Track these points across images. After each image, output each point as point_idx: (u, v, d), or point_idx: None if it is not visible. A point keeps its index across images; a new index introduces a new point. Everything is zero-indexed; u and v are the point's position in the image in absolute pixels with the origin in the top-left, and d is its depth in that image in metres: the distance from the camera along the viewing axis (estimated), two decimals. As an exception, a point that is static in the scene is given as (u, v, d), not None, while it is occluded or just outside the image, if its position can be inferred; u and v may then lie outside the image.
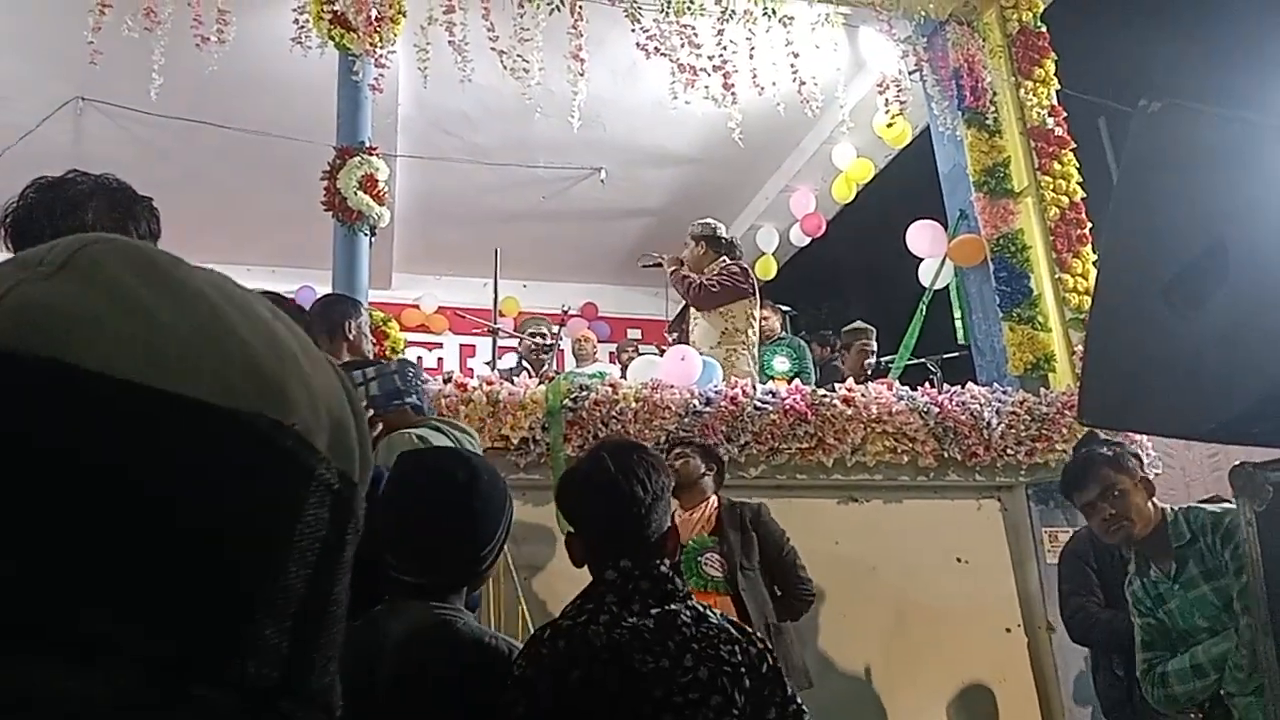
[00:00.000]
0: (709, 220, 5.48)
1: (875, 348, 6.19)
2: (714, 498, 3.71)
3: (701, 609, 1.57)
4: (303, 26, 4.96)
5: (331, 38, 4.91)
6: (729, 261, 5.25)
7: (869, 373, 5.91)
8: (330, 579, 0.43)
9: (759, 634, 1.59)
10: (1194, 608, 2.61)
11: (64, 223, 1.37)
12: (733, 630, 1.54)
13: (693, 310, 5.40)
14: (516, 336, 6.58)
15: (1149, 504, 2.69)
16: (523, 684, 1.48)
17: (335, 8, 4.87)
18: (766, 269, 8.73)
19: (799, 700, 1.52)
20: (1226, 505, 2.68)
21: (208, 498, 0.37)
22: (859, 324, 6.32)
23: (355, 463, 0.44)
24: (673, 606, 1.54)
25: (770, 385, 4.74)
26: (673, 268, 5.35)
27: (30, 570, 0.34)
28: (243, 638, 0.38)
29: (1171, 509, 2.71)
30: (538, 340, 6.46)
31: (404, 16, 5.04)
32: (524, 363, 6.47)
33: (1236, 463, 1.55)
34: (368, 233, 4.84)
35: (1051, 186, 5.66)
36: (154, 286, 0.38)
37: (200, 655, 0.37)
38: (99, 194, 1.40)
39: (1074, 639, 3.76)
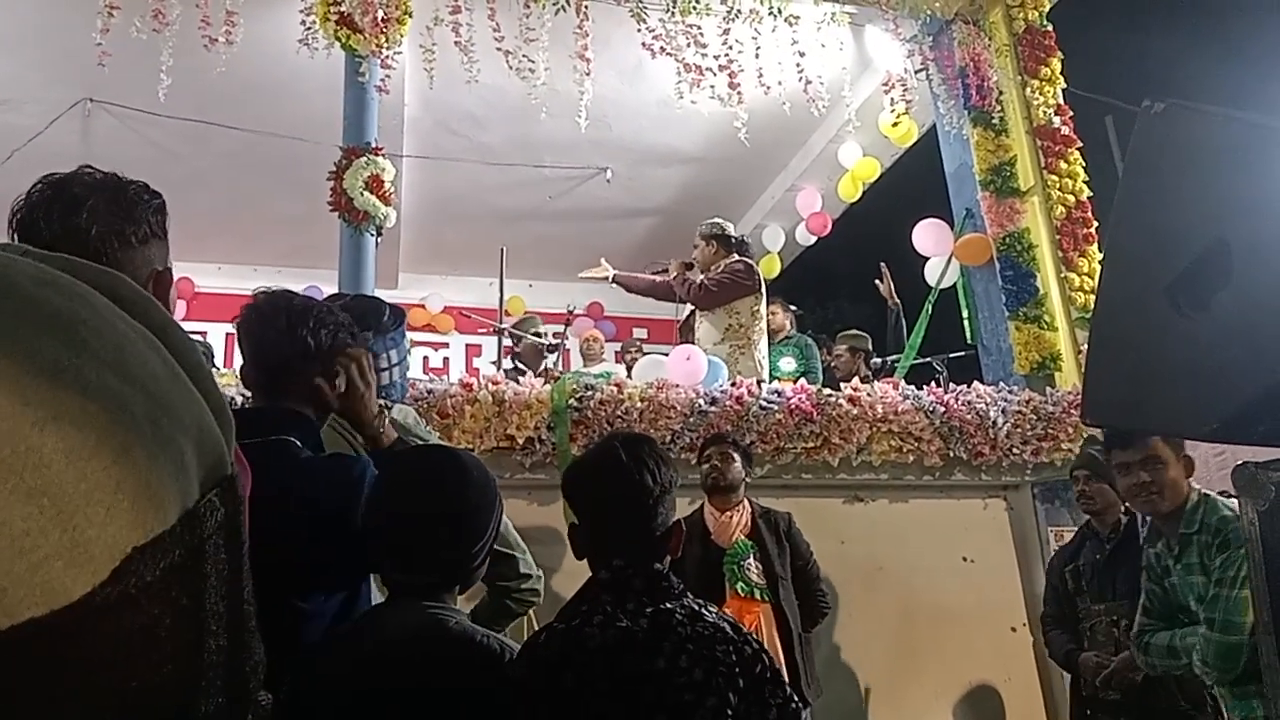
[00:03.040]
0: (717, 220, 5.47)
1: (869, 350, 6.15)
2: (746, 501, 3.69)
3: (696, 607, 1.55)
4: (310, 28, 4.98)
5: (338, 39, 4.93)
6: (735, 258, 5.25)
7: (866, 377, 5.85)
8: (242, 580, 0.41)
9: (755, 636, 1.57)
10: (1188, 590, 2.67)
11: (60, 224, 1.39)
12: (728, 630, 1.52)
13: (697, 310, 5.40)
14: (515, 335, 6.20)
15: (1185, 483, 2.69)
16: (519, 686, 1.48)
17: (342, 9, 4.89)
18: (771, 268, 8.73)
19: (797, 701, 1.51)
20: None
21: (130, 647, 0.35)
22: (853, 331, 6.31)
23: (225, 448, 0.40)
24: (667, 605, 1.52)
25: (775, 385, 4.73)
26: (675, 273, 5.33)
27: None
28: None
29: (1199, 494, 2.71)
30: (539, 342, 6.18)
31: (410, 17, 5.06)
32: (520, 363, 6.23)
33: (1240, 462, 1.55)
34: (374, 233, 4.85)
35: (1058, 185, 5.66)
36: None
37: None
38: (98, 193, 1.41)
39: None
